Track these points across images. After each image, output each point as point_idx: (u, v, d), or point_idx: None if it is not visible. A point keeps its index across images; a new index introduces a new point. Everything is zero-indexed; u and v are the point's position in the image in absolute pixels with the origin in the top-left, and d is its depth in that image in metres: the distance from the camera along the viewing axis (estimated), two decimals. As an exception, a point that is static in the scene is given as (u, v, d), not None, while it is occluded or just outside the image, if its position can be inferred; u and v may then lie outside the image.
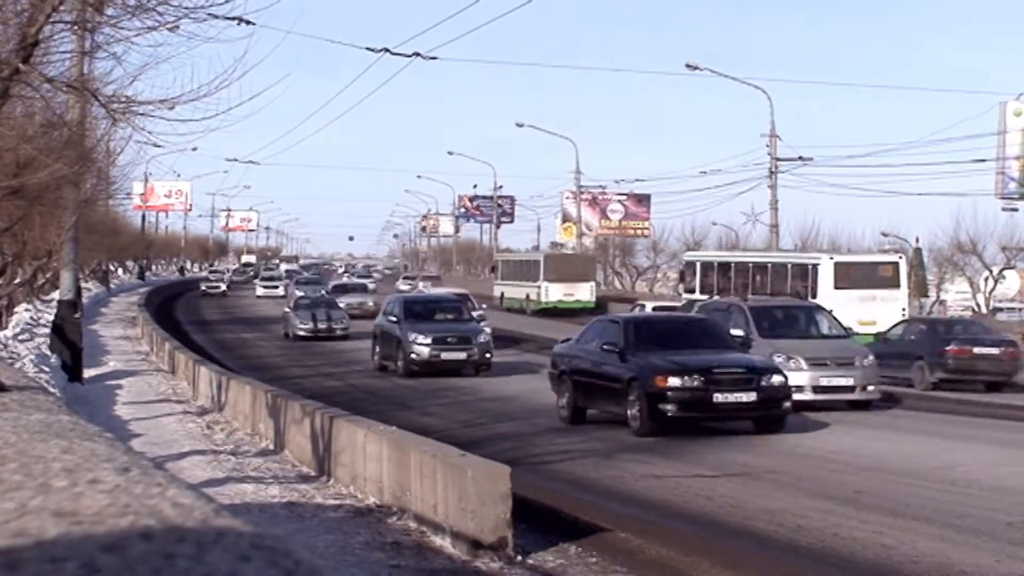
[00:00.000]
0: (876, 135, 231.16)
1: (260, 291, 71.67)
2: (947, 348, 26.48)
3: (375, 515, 12.33)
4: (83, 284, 37.76)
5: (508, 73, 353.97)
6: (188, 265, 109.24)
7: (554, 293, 55.06)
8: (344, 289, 54.15)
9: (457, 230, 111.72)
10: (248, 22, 12.64)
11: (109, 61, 11.63)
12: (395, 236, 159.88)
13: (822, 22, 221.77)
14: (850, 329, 24.82)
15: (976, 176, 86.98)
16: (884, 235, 55.18)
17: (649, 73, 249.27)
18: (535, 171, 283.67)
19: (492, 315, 42.38)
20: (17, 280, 28.56)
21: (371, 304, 47.48)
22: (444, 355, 27.97)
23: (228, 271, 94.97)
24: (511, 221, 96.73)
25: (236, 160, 73.92)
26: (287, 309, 42.85)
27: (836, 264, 33.90)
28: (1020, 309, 53.23)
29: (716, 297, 32.97)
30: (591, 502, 13.43)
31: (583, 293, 55.36)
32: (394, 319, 29.33)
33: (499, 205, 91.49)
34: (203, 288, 74.10)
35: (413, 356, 27.87)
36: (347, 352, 35.44)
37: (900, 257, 35.92)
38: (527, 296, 56.58)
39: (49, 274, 34.16)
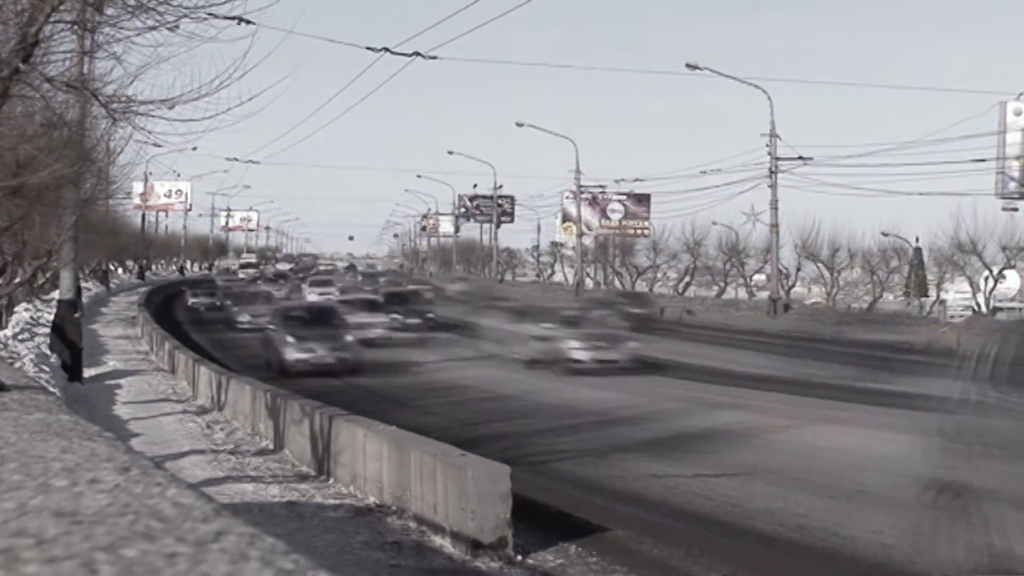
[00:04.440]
0: (876, 135, 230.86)
1: (312, 297, 59.22)
2: None
3: (375, 515, 12.33)
4: (83, 284, 37.72)
5: (508, 73, 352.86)
6: (188, 265, 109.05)
7: None
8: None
9: (457, 230, 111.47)
10: (248, 22, 12.61)
11: (109, 61, 11.62)
12: (395, 236, 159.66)
13: (822, 22, 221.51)
14: None
15: (976, 176, 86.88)
16: (884, 235, 55.21)
17: (649, 73, 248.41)
18: (535, 171, 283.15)
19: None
20: (17, 280, 28.51)
21: None
22: None
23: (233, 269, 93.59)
24: (511, 221, 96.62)
25: (236, 160, 74.15)
26: None
27: None
28: (1020, 309, 53.13)
29: None
30: (590, 502, 13.43)
31: None
32: None
33: (499, 205, 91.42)
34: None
35: None
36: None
37: None
38: None
39: (49, 274, 34.13)
